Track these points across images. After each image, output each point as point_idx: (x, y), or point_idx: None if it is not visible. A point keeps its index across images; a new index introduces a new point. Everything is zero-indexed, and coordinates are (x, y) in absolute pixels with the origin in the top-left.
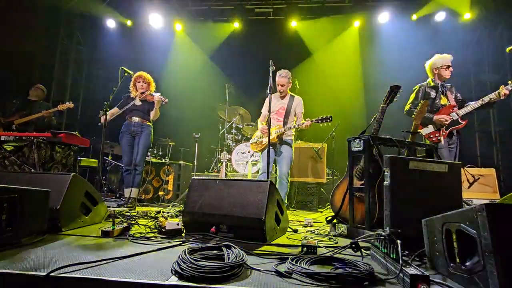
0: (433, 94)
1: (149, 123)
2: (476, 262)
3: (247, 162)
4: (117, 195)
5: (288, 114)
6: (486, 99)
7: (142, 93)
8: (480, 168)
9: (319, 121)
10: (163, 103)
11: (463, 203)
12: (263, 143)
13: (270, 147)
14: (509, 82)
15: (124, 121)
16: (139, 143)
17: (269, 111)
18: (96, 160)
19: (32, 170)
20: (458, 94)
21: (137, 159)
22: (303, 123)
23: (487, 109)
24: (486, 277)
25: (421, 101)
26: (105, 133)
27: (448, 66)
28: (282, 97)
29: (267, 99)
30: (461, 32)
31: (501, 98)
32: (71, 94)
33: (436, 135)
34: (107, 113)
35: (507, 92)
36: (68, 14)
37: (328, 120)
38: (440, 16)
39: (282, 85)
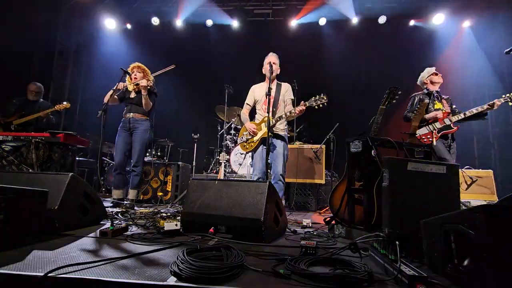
0: (427, 100)
1: (146, 118)
2: (474, 263)
3: (244, 159)
4: None
5: (276, 103)
6: (479, 109)
7: (136, 84)
8: (477, 169)
9: (313, 103)
10: (149, 86)
11: (461, 204)
12: (254, 141)
13: (262, 144)
14: (503, 96)
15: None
16: (135, 141)
17: (268, 112)
18: (94, 161)
19: (30, 170)
20: (454, 106)
21: (134, 159)
22: (295, 109)
23: (480, 119)
24: (483, 278)
25: (420, 102)
26: (103, 133)
27: (436, 73)
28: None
29: (252, 89)
30: (458, 36)
31: (494, 108)
32: (69, 95)
33: (428, 136)
34: (104, 114)
35: (499, 103)
36: (67, 14)
37: (323, 101)
38: (438, 19)
39: (274, 63)
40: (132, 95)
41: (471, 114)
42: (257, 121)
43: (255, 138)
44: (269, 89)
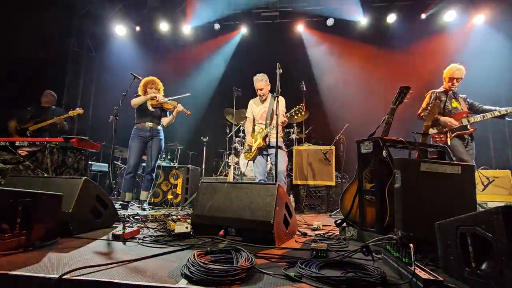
0: (443, 98)
1: (161, 128)
2: (493, 267)
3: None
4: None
5: (271, 116)
6: (502, 111)
7: (153, 99)
8: (494, 170)
9: (293, 114)
10: (186, 114)
11: (477, 206)
12: (252, 151)
13: (259, 155)
14: None
15: (134, 125)
16: (153, 148)
17: (277, 114)
18: (106, 165)
19: (45, 175)
20: (473, 102)
21: (152, 164)
22: (279, 121)
23: (499, 120)
24: (503, 283)
25: (434, 101)
26: (115, 138)
27: (452, 78)
28: (263, 101)
29: (250, 104)
30: (474, 32)
31: None
32: (82, 100)
33: (441, 136)
34: (117, 118)
35: None
36: (79, 22)
37: (299, 112)
38: (450, 16)
39: (260, 89)
40: (150, 108)
41: (492, 116)
42: (256, 132)
43: (253, 149)
44: (277, 101)
